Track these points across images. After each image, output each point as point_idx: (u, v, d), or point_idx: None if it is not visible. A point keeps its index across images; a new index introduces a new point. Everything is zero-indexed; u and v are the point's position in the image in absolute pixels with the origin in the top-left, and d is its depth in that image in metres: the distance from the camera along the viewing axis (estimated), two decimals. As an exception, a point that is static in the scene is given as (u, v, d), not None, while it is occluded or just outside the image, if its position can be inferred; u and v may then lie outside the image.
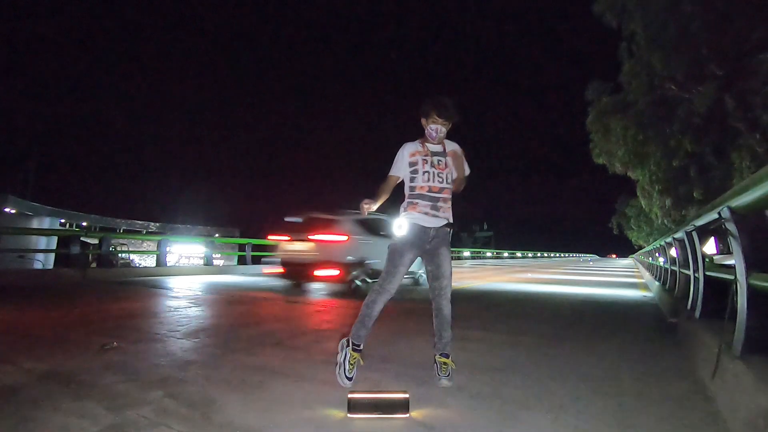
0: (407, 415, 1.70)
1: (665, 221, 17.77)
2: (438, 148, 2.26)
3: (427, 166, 2.22)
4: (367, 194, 2.28)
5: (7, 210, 33.90)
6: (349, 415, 1.69)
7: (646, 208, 19.76)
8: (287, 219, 6.56)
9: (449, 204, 2.27)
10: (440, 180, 2.23)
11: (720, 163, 13.25)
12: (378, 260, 6.01)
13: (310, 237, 6.07)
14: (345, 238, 6.02)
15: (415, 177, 2.24)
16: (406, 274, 2.33)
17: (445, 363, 2.14)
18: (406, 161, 2.25)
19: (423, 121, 2.25)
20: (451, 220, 2.26)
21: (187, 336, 3.17)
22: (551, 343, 3.21)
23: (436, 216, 2.21)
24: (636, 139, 14.91)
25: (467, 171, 2.35)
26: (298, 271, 6.20)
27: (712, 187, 12.96)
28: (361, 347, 2.13)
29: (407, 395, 1.73)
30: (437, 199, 2.22)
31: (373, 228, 6.46)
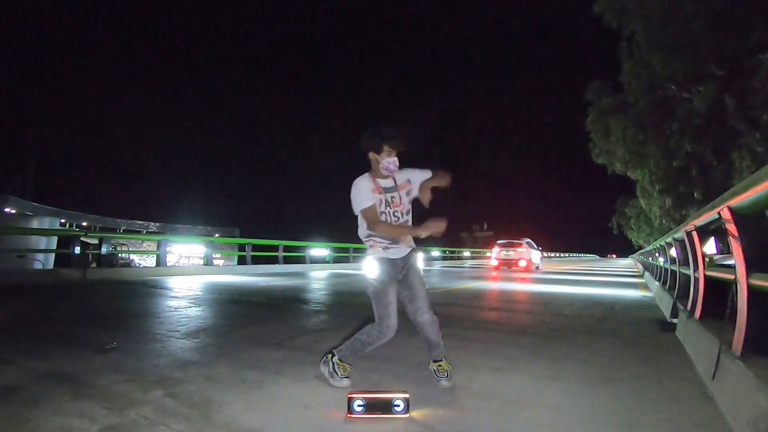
0: (407, 415, 1.70)
1: (665, 221, 17.77)
2: (388, 183, 2.13)
3: (383, 206, 2.10)
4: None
5: (7, 210, 33.93)
6: (349, 415, 1.69)
7: (646, 208, 19.77)
8: (498, 241, 17.45)
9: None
10: (396, 219, 2.11)
11: (720, 163, 13.24)
12: (538, 262, 17.36)
13: (514, 249, 16.41)
14: (525, 250, 16.33)
15: None
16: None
17: (440, 365, 2.14)
18: (369, 191, 2.10)
19: (373, 156, 2.08)
20: (413, 245, 2.19)
21: (187, 336, 3.17)
22: (551, 343, 3.21)
23: (398, 247, 2.12)
24: (636, 139, 14.92)
25: (427, 174, 2.22)
26: (507, 263, 16.43)
27: (712, 187, 12.95)
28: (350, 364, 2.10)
29: (407, 395, 1.73)
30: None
31: (533, 245, 17.06)
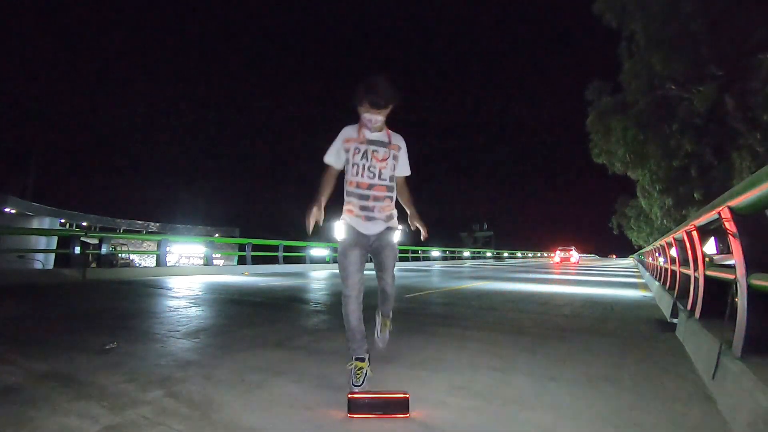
0: (407, 415, 1.70)
1: (665, 221, 17.77)
2: (378, 136, 1.97)
3: (357, 157, 1.94)
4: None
5: (7, 210, 33.93)
6: (349, 415, 1.69)
7: (646, 208, 19.78)
8: (559, 248, 36.96)
9: (387, 203, 2.01)
10: (371, 175, 1.94)
11: (720, 163, 13.25)
12: (577, 259, 36.57)
13: (567, 252, 35.53)
14: (573, 253, 35.54)
15: (347, 169, 1.99)
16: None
17: (385, 323, 2.26)
18: (340, 147, 1.97)
19: (359, 110, 1.94)
20: (395, 225, 2.06)
21: (187, 336, 3.17)
22: (551, 343, 3.21)
23: (372, 218, 1.97)
24: (636, 139, 14.93)
25: (407, 172, 2.11)
26: (564, 260, 33.70)
27: (712, 187, 12.96)
28: (365, 357, 1.98)
29: (407, 395, 1.73)
30: (367, 197, 1.96)
31: (576, 250, 36.99)
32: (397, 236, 2.09)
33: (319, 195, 1.99)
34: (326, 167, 2.02)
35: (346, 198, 2.01)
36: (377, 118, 1.92)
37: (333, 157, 2.01)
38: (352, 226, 1.99)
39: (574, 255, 34.75)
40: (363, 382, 1.92)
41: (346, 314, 1.98)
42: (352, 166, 1.96)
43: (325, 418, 1.70)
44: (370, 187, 1.96)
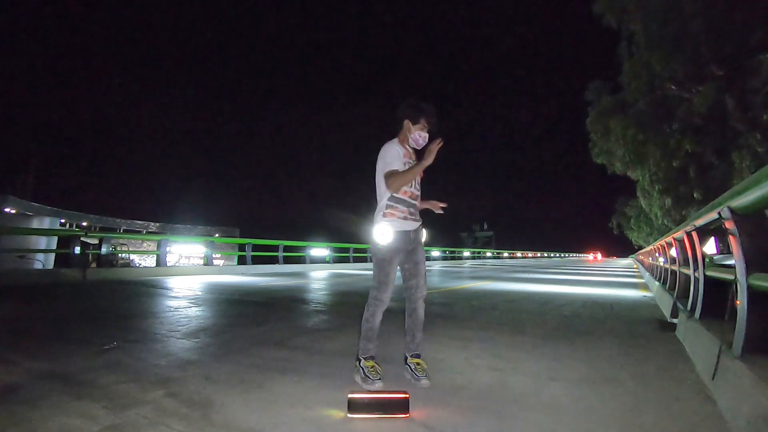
0: (407, 415, 1.70)
1: (665, 221, 17.76)
2: (412, 154, 2.24)
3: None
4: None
5: (7, 210, 33.89)
6: (349, 415, 1.69)
7: (646, 208, 19.75)
8: (592, 252, 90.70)
9: (418, 208, 2.30)
10: (417, 187, 2.23)
11: (720, 163, 13.23)
12: (602, 259, 67.67)
13: (594, 254, 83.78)
14: (600, 255, 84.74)
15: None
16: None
17: (418, 363, 2.17)
18: (401, 161, 2.16)
19: (407, 123, 2.17)
20: (421, 219, 2.31)
21: (187, 336, 3.17)
22: (551, 343, 3.21)
23: (414, 219, 2.22)
24: (636, 139, 14.91)
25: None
26: (595, 259, 65.40)
27: (712, 187, 12.95)
28: (374, 357, 2.14)
29: (407, 395, 1.73)
30: (414, 205, 2.23)
31: (601, 253, 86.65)
32: (425, 235, 2.31)
33: (410, 171, 2.10)
34: (397, 172, 2.12)
35: (389, 204, 2.16)
36: (426, 136, 2.16)
37: (399, 164, 2.14)
38: (398, 228, 2.15)
39: (599, 256, 75.95)
40: (380, 376, 2.05)
41: (371, 316, 2.14)
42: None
43: (325, 418, 1.70)
44: (417, 197, 2.24)
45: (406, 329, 2.26)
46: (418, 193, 2.25)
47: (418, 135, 2.16)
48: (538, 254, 59.40)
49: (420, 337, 2.25)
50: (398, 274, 2.24)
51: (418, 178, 2.22)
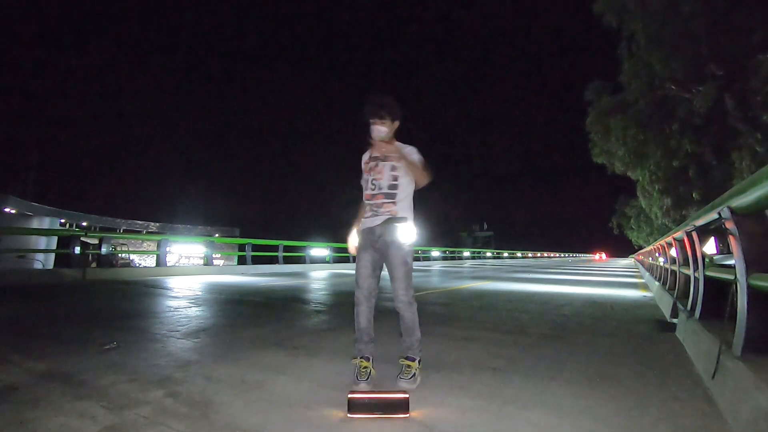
0: (407, 415, 1.70)
1: (665, 221, 17.76)
2: (378, 152, 2.18)
3: (366, 174, 2.25)
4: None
5: (7, 210, 33.90)
6: (349, 415, 1.69)
7: (646, 208, 19.75)
8: (597, 252, 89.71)
9: (390, 205, 2.17)
10: (372, 187, 2.19)
11: (720, 163, 13.23)
12: (607, 259, 65.47)
13: (599, 254, 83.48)
14: (604, 255, 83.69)
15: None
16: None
17: (409, 366, 2.11)
18: (363, 167, 2.28)
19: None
20: (398, 214, 2.15)
21: (187, 336, 3.17)
22: (551, 343, 3.21)
23: (376, 215, 2.18)
24: (636, 139, 14.91)
25: (424, 181, 2.21)
26: (600, 258, 70.49)
27: (712, 187, 12.95)
28: (370, 358, 2.11)
29: (407, 395, 1.73)
30: (372, 206, 2.20)
31: (606, 253, 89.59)
32: (401, 231, 2.15)
33: (358, 217, 2.32)
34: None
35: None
36: (380, 128, 2.14)
37: (363, 174, 2.28)
38: (362, 227, 2.24)
39: (604, 255, 79.50)
40: (368, 377, 2.05)
41: (355, 316, 2.16)
42: (363, 182, 2.27)
43: (325, 418, 1.70)
44: (373, 197, 2.21)
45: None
46: (375, 192, 2.19)
47: (371, 130, 2.18)
48: (546, 254, 61.90)
49: (410, 341, 2.16)
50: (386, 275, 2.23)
51: (379, 172, 2.17)
